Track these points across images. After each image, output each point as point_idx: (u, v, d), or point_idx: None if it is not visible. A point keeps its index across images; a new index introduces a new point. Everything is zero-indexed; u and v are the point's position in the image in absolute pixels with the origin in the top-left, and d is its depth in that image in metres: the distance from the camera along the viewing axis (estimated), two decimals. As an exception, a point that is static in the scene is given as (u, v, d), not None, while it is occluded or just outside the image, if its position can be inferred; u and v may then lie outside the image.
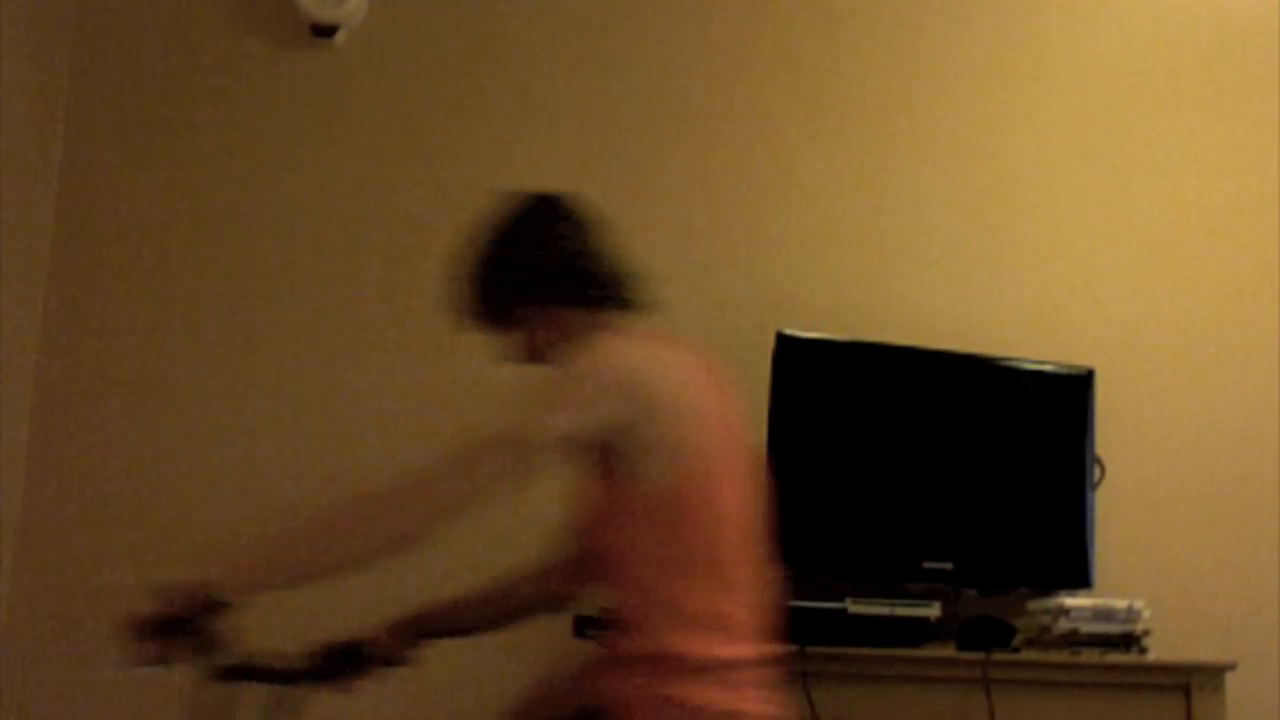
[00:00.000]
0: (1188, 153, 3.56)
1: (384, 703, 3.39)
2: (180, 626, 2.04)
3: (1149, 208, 3.54)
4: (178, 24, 3.63)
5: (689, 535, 2.11)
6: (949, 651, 3.05)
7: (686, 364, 2.24)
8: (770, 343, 3.18)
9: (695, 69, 3.59)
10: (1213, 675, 2.94)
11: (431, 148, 3.58)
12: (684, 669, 2.08)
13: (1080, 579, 3.21)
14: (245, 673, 2.15)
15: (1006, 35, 3.60)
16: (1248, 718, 3.20)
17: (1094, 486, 3.27)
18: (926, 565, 3.15)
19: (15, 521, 3.44)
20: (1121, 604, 3.05)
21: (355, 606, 2.86)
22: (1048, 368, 3.30)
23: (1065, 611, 3.03)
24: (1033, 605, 3.12)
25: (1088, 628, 3.03)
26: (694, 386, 2.20)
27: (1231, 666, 2.93)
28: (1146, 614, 3.05)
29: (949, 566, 3.17)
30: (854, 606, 3.01)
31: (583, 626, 3.10)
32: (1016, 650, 3.06)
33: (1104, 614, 3.04)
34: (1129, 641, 3.03)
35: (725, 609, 2.12)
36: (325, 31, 3.57)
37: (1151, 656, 3.04)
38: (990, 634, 3.07)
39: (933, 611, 3.04)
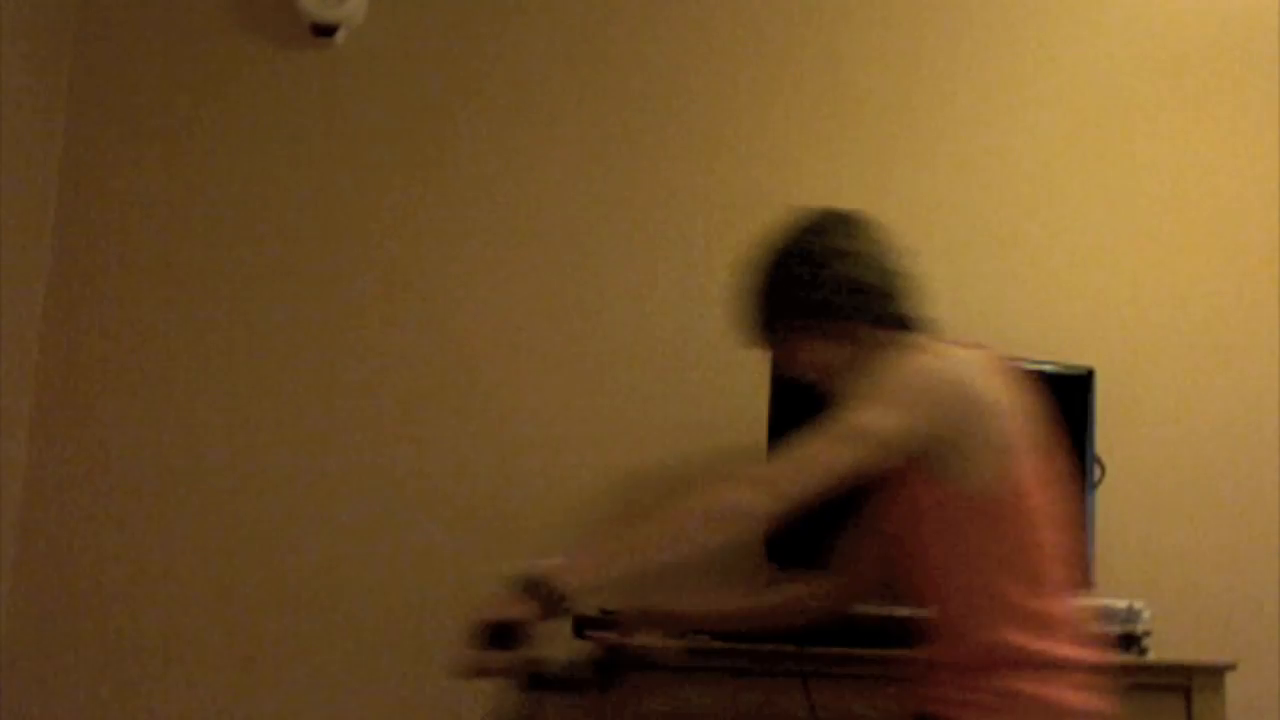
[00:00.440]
0: (1188, 153, 3.56)
1: (384, 703, 3.39)
2: (520, 632, 1.99)
3: (1149, 207, 3.54)
4: (178, 24, 3.63)
5: (1011, 535, 2.14)
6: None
7: (993, 367, 2.24)
8: (770, 343, 3.18)
9: (695, 69, 3.59)
10: (1213, 675, 2.94)
11: (432, 148, 3.58)
12: (1026, 664, 2.08)
13: (1080, 579, 3.20)
14: (549, 682, 2.10)
15: (1006, 35, 3.60)
16: (1248, 718, 3.20)
17: (1094, 486, 3.26)
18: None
19: (15, 522, 3.44)
20: (1121, 604, 3.05)
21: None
22: (1047, 367, 3.30)
23: (1065, 611, 3.03)
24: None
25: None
26: (1003, 389, 2.20)
27: (1232, 666, 2.92)
28: (1146, 614, 3.04)
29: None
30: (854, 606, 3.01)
31: (581, 626, 3.10)
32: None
33: (1104, 614, 3.03)
34: (1129, 642, 3.03)
35: (1049, 609, 2.14)
36: (325, 31, 3.57)
37: (1151, 657, 3.04)
38: (990, 634, 3.06)
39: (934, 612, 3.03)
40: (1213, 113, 3.57)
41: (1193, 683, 2.94)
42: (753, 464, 2.15)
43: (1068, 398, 3.29)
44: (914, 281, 2.41)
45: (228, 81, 3.61)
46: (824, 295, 2.32)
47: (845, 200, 3.53)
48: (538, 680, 2.09)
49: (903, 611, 3.03)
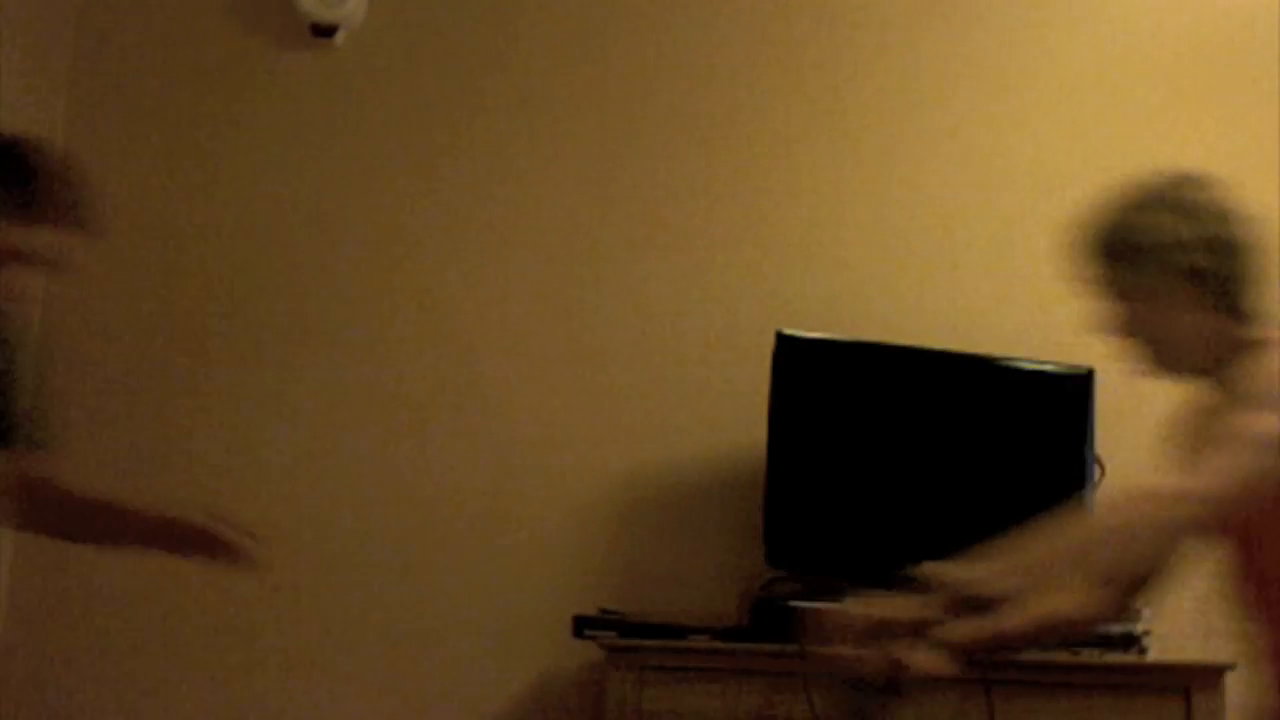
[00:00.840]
0: (1188, 152, 3.55)
1: (384, 703, 3.39)
2: (905, 632, 1.93)
3: (1149, 207, 3.54)
4: (177, 24, 3.63)
5: None
6: (949, 651, 3.04)
7: None
8: (770, 343, 3.18)
9: (696, 69, 3.59)
10: (1212, 676, 2.94)
11: (432, 148, 3.58)
12: None
13: (1080, 579, 3.20)
14: (897, 687, 2.03)
15: (1007, 35, 3.60)
16: (1247, 718, 3.20)
17: (1094, 486, 3.26)
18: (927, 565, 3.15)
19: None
20: (1121, 604, 3.05)
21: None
22: (1047, 367, 3.30)
23: (1065, 611, 3.03)
24: (1033, 605, 3.11)
25: (1088, 628, 3.03)
26: None
27: (1231, 667, 2.92)
28: (1146, 613, 3.04)
29: (949, 566, 3.16)
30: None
31: (582, 627, 3.10)
32: (1017, 650, 3.05)
33: (1104, 614, 3.03)
34: (1128, 642, 3.02)
35: None
36: (325, 31, 3.57)
37: (1151, 657, 3.04)
38: (990, 634, 3.06)
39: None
40: (1213, 113, 3.56)
41: (1192, 683, 2.94)
42: (1172, 475, 2.09)
43: (1068, 398, 3.29)
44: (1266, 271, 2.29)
45: (227, 82, 3.61)
46: (1190, 271, 2.20)
47: (845, 199, 3.54)
48: (892, 685, 2.03)
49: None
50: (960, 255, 3.49)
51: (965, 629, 2.09)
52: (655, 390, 3.43)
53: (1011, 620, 2.20)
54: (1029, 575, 2.00)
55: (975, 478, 3.22)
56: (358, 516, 3.45)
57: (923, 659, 2.07)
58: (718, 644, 3.04)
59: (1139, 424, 3.41)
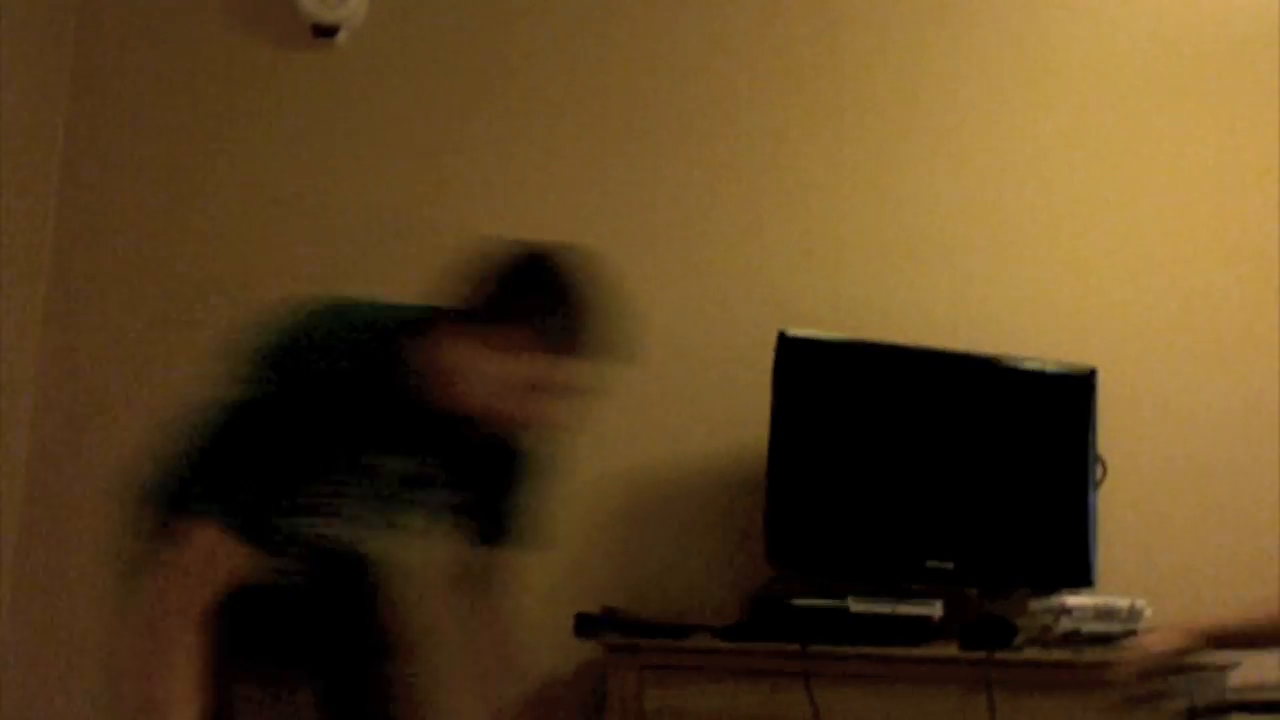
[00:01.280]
0: (1188, 152, 3.56)
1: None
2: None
3: (1150, 207, 3.54)
4: (178, 24, 3.63)
5: None
6: (951, 650, 3.04)
7: None
8: (771, 343, 3.18)
9: (698, 69, 3.59)
10: (1215, 675, 2.94)
11: (433, 148, 3.58)
12: None
13: (1082, 578, 3.20)
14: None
15: (1007, 35, 3.60)
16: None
17: (1096, 485, 3.26)
18: (929, 564, 3.15)
19: (17, 522, 3.44)
20: (1123, 603, 3.05)
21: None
22: (1049, 366, 3.30)
23: (1067, 610, 3.03)
24: (1034, 604, 3.12)
25: (1090, 627, 3.03)
26: None
27: (1234, 665, 2.92)
28: (1148, 613, 3.04)
29: (951, 566, 3.17)
30: (856, 605, 3.01)
31: (584, 625, 3.10)
32: (1018, 649, 3.05)
33: (1106, 613, 3.03)
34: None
35: None
36: (326, 32, 3.57)
37: (1153, 656, 3.04)
38: (992, 633, 3.06)
39: (935, 610, 3.04)
40: (1213, 113, 3.57)
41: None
42: None
43: (1069, 396, 3.29)
44: None
45: (228, 82, 3.61)
46: None
47: (846, 200, 3.54)
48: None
49: (905, 610, 3.04)
50: (961, 255, 3.50)
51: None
52: (658, 390, 3.42)
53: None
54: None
55: (977, 476, 3.22)
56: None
57: None
58: (719, 643, 3.04)
59: (1141, 422, 3.43)
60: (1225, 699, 2.33)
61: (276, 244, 3.55)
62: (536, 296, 2.17)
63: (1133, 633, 3.03)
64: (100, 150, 3.59)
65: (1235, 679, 2.80)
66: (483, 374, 2.15)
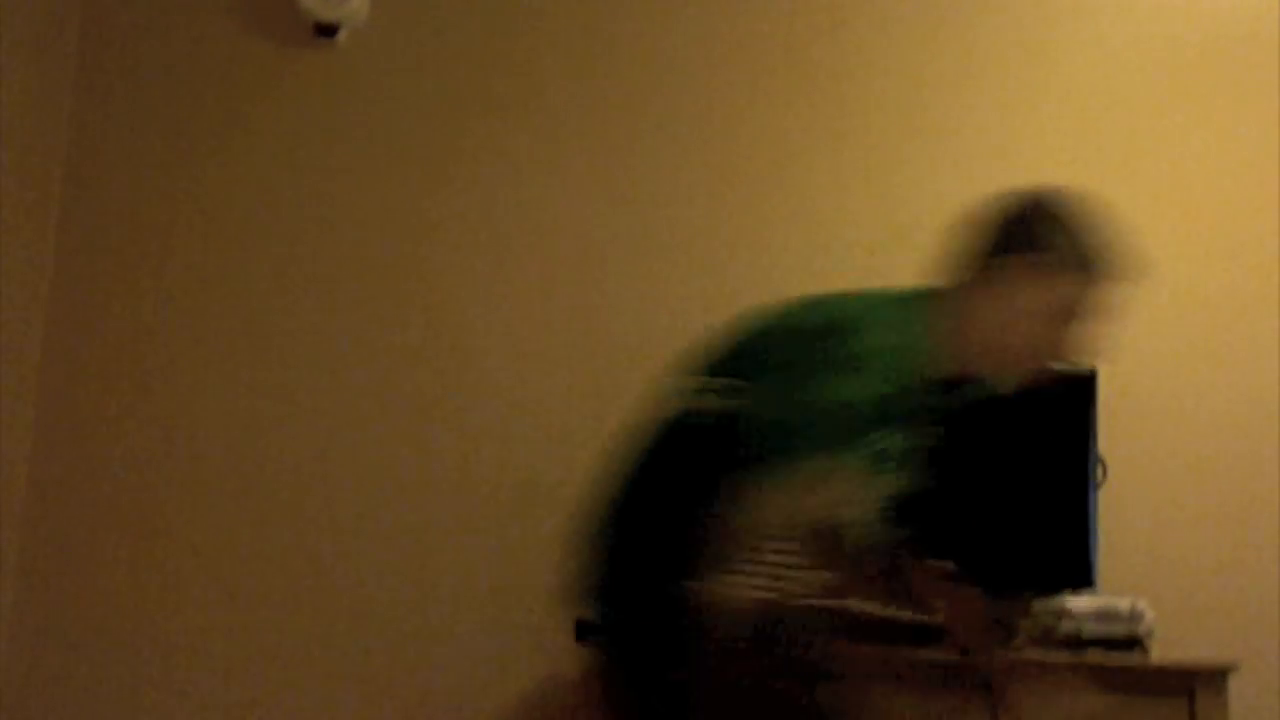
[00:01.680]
0: (1188, 152, 3.56)
1: (387, 706, 3.39)
2: None
3: (1150, 207, 3.54)
4: (180, 24, 3.63)
5: None
6: (951, 651, 3.04)
7: None
8: (773, 343, 3.18)
9: (699, 69, 3.59)
10: (1216, 676, 2.94)
11: (434, 148, 3.58)
12: None
13: (1083, 579, 3.20)
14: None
15: (1008, 36, 3.60)
16: (1251, 719, 3.21)
17: (1097, 487, 3.26)
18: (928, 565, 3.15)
19: (18, 522, 3.44)
20: (1124, 604, 3.05)
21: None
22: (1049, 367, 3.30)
23: (1068, 612, 3.03)
24: (1035, 606, 3.12)
25: (1090, 628, 3.03)
26: None
27: (1235, 667, 2.92)
28: (1150, 614, 3.04)
29: (950, 566, 3.16)
30: (856, 605, 3.01)
31: (583, 631, 3.10)
32: (1019, 650, 3.05)
33: (1107, 615, 3.04)
34: (1132, 642, 3.03)
35: None
36: (328, 31, 3.57)
37: (1154, 657, 3.04)
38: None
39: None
40: (1213, 113, 3.57)
41: (1195, 683, 2.94)
42: None
43: (1070, 397, 3.29)
44: None
45: (230, 81, 3.61)
46: None
47: (849, 202, 3.54)
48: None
49: (905, 611, 3.04)
50: (962, 255, 3.50)
51: None
52: (660, 389, 3.42)
53: None
54: None
55: (978, 477, 3.22)
56: (360, 518, 3.45)
57: None
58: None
59: (1141, 424, 3.43)
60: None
61: (278, 243, 3.55)
62: (1041, 226, 2.28)
63: (1134, 634, 3.03)
64: (103, 149, 3.58)
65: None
66: (1029, 312, 2.25)
